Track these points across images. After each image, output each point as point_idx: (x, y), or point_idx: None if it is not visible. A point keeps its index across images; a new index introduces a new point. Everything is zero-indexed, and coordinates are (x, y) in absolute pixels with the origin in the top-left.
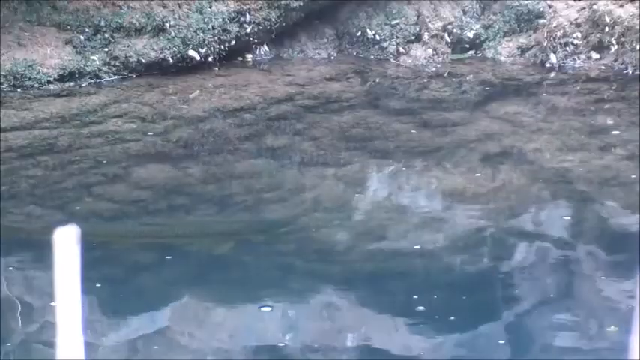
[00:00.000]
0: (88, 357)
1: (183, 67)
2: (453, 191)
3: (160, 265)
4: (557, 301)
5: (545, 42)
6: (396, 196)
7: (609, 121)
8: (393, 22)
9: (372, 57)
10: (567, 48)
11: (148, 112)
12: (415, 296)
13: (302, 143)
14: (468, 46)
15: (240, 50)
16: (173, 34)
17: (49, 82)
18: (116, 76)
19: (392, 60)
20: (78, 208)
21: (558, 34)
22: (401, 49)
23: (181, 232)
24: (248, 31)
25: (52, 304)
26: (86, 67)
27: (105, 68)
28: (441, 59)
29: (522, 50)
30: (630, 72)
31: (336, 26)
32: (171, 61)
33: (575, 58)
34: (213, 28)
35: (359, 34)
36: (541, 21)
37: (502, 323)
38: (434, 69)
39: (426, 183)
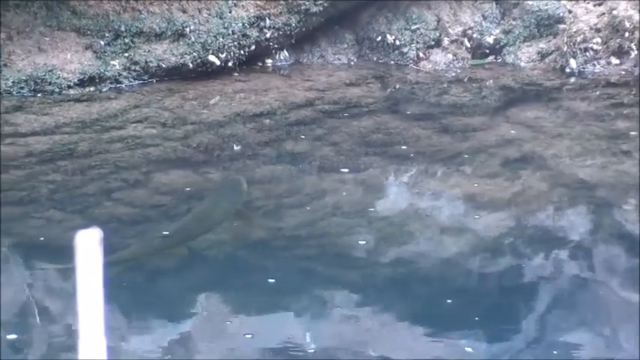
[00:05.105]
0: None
1: (203, 72)
2: (472, 196)
3: (180, 269)
4: (578, 307)
5: (565, 47)
6: (416, 201)
7: (629, 126)
8: (413, 27)
9: (392, 62)
10: (587, 53)
11: (168, 117)
12: (435, 301)
13: (322, 148)
14: (487, 51)
15: (260, 55)
16: (193, 39)
17: (69, 87)
18: (136, 81)
19: (412, 65)
20: (98, 212)
21: (578, 39)
22: (421, 55)
23: (201, 237)
24: (268, 36)
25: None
26: (106, 72)
27: (125, 73)
28: (460, 64)
29: (542, 55)
30: None
31: (356, 31)
32: (191, 66)
33: (595, 63)
34: (233, 33)
35: (379, 39)
36: (561, 26)
37: (522, 329)
38: (454, 74)
39: (445, 188)
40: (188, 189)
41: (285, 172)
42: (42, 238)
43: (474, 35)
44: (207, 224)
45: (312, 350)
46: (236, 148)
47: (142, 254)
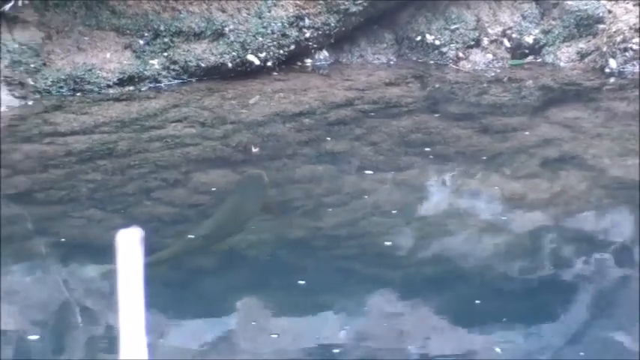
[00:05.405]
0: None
1: (243, 72)
2: (512, 196)
3: (220, 269)
4: (617, 307)
5: (605, 47)
6: (456, 201)
7: None
8: (453, 27)
9: (432, 62)
10: (627, 53)
11: (208, 116)
12: (475, 301)
13: (361, 148)
14: (527, 51)
15: (300, 55)
16: (232, 38)
17: (108, 86)
18: (175, 81)
19: (451, 65)
20: (137, 211)
21: (618, 39)
22: (460, 54)
23: (241, 237)
24: (307, 35)
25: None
26: (145, 72)
27: (164, 73)
28: (500, 64)
29: (582, 55)
30: None
31: (395, 31)
32: (230, 65)
33: (635, 63)
34: (272, 33)
35: (418, 38)
36: (600, 26)
37: (561, 329)
38: (493, 74)
39: (485, 188)
40: (214, 189)
41: (325, 171)
42: (63, 238)
43: (514, 35)
44: (238, 220)
45: (351, 348)
46: (275, 147)
47: (179, 254)
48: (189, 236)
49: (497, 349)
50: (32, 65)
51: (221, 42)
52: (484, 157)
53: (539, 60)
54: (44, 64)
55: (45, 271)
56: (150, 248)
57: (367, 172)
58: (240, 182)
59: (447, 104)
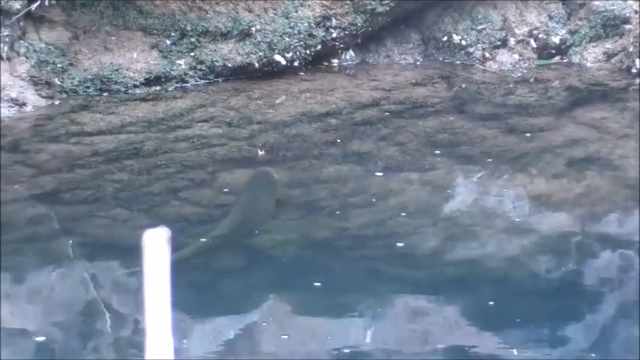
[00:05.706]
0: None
1: (269, 72)
2: (538, 196)
3: (244, 269)
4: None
5: (632, 47)
6: (482, 201)
7: None
8: (479, 27)
9: (458, 62)
10: None
11: (234, 116)
12: (500, 301)
13: (387, 148)
14: (553, 51)
15: (326, 55)
16: (259, 38)
17: (135, 86)
18: (202, 81)
19: (478, 65)
20: (164, 211)
21: None
22: (487, 55)
23: (267, 236)
24: (334, 35)
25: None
26: (172, 72)
27: (191, 72)
28: (526, 65)
29: (608, 56)
30: None
31: (422, 31)
32: (257, 65)
33: None
34: (299, 33)
35: (445, 39)
36: (627, 26)
37: (585, 330)
38: (520, 74)
39: (511, 188)
40: (239, 189)
41: (351, 171)
42: (89, 238)
43: (540, 35)
44: (252, 220)
45: (376, 349)
46: (302, 147)
47: (197, 254)
48: (201, 239)
49: (514, 352)
50: (59, 65)
51: (248, 42)
52: (510, 158)
53: (565, 60)
54: (71, 64)
55: (71, 271)
56: (176, 248)
57: (393, 172)
58: (250, 181)
59: (474, 104)
